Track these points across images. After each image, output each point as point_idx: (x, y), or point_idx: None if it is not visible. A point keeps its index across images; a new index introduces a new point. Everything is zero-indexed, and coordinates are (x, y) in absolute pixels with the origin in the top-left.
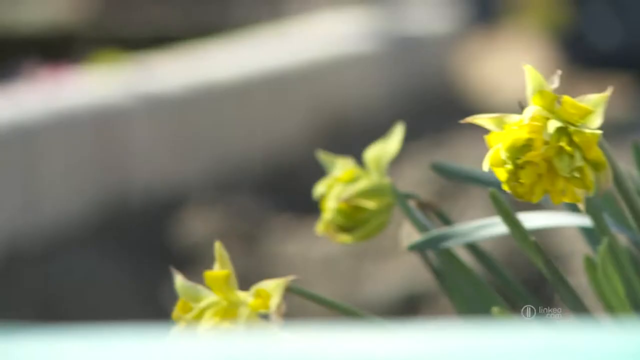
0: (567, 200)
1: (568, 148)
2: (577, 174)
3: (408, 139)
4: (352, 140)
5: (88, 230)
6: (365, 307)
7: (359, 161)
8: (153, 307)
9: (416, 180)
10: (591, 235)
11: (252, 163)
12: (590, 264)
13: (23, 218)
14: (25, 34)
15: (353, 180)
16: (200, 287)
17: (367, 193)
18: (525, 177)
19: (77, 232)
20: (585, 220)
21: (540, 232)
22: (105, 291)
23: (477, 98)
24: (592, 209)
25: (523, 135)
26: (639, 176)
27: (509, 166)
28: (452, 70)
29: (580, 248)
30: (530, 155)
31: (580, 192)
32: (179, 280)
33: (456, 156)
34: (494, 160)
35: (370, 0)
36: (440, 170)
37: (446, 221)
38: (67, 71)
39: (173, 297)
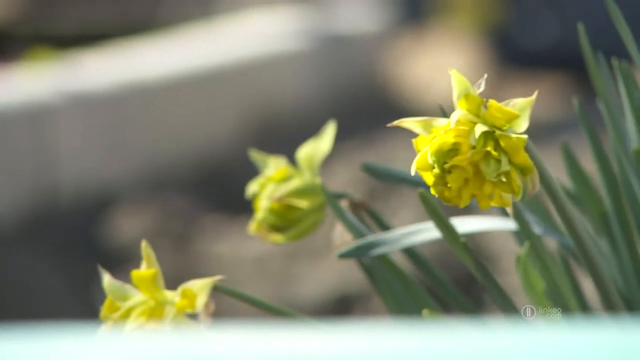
0: (495, 204)
1: (494, 152)
2: (504, 179)
3: (339, 138)
4: (284, 139)
5: (19, 229)
6: (297, 308)
7: (291, 160)
8: (84, 305)
9: (348, 179)
10: (521, 236)
11: (183, 162)
12: (519, 259)
13: None
14: None
15: (285, 179)
16: (128, 287)
17: (300, 192)
18: (453, 181)
19: (8, 231)
20: (512, 224)
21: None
22: (37, 290)
23: (408, 98)
24: (516, 212)
25: (449, 139)
26: (569, 178)
27: (436, 170)
28: (383, 70)
29: (511, 247)
30: (457, 160)
31: (508, 197)
32: (107, 279)
33: (387, 156)
34: (422, 164)
35: None
36: (371, 170)
37: (378, 221)
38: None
39: (104, 296)
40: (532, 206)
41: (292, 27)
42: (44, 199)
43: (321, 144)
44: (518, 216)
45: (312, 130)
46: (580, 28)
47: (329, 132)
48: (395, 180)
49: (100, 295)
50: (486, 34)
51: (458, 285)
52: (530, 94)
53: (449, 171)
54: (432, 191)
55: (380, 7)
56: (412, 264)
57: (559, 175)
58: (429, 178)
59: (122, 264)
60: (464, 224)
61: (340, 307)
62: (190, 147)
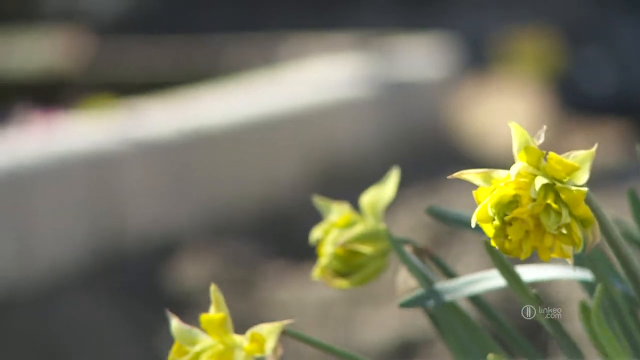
0: (555, 256)
1: (555, 205)
2: (564, 231)
3: (402, 185)
4: (346, 186)
5: (82, 277)
6: (361, 353)
7: (354, 207)
8: (149, 353)
9: (411, 226)
10: (587, 285)
11: (246, 208)
12: (585, 311)
13: (17, 265)
14: (17, 79)
15: (349, 225)
16: (196, 331)
17: (364, 238)
18: (513, 233)
19: (71, 279)
20: (579, 273)
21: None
22: (101, 338)
23: (470, 145)
24: (589, 260)
25: (510, 191)
26: (635, 224)
27: (497, 222)
28: (446, 116)
29: (576, 295)
30: (517, 212)
31: (568, 248)
32: (175, 323)
33: (450, 203)
34: (482, 216)
35: (363, 45)
36: (436, 214)
37: (442, 267)
38: (59, 117)
39: (168, 343)
40: (594, 256)
41: (354, 74)
42: (107, 246)
43: (385, 190)
44: (591, 262)
45: (374, 177)
46: None
47: (393, 178)
48: (460, 224)
49: (164, 343)
50: (549, 82)
51: (522, 332)
52: (592, 142)
53: (510, 223)
54: (493, 243)
55: (443, 54)
56: (476, 310)
57: (627, 221)
58: (489, 230)
59: (186, 310)
60: (529, 273)
61: (403, 352)
62: (253, 194)
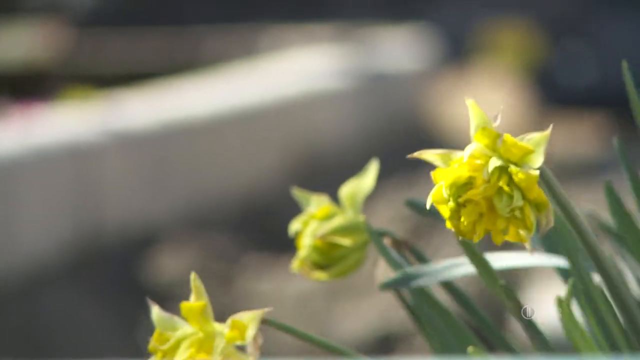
0: (509, 239)
1: (507, 188)
2: (518, 214)
3: (381, 176)
4: (326, 177)
5: (63, 268)
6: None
7: (334, 198)
8: (130, 343)
9: (390, 217)
10: (562, 272)
11: (226, 200)
12: (561, 306)
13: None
14: (2, 70)
15: (328, 217)
16: (176, 319)
17: (342, 230)
18: (466, 215)
19: (52, 270)
20: (555, 261)
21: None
22: (82, 328)
23: (449, 136)
24: (564, 246)
25: (464, 173)
26: (611, 216)
27: (451, 204)
28: (425, 107)
29: (543, 279)
30: (470, 194)
31: (524, 232)
32: (156, 311)
33: (428, 194)
34: (438, 197)
35: (343, 37)
36: (415, 206)
37: (421, 259)
38: (40, 109)
39: (148, 333)
40: (569, 242)
41: (334, 65)
42: (88, 238)
43: (364, 182)
44: (569, 251)
45: (354, 168)
46: (624, 66)
47: (372, 170)
48: (438, 216)
49: (144, 334)
50: (528, 74)
51: (498, 323)
52: (571, 133)
53: (464, 205)
54: (447, 225)
55: (423, 46)
56: (455, 301)
57: (603, 214)
58: (444, 211)
59: (166, 302)
60: (499, 260)
61: (383, 345)
62: (232, 185)
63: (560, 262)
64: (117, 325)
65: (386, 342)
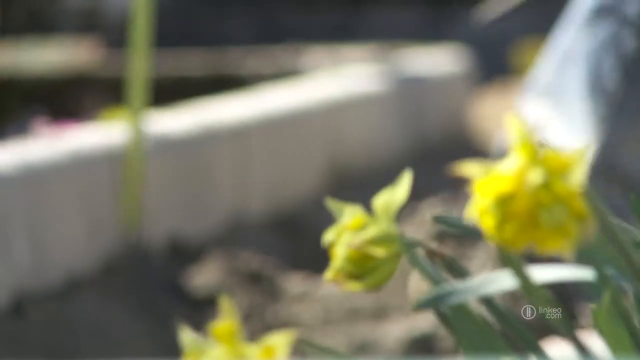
0: (551, 250)
1: (550, 200)
2: (559, 226)
3: (417, 185)
4: (360, 185)
5: (103, 278)
6: (381, 350)
7: (368, 208)
8: (165, 351)
9: (424, 228)
10: (592, 286)
11: (259, 208)
12: (596, 315)
13: (34, 263)
14: (36, 79)
15: (362, 227)
16: (206, 340)
17: (376, 241)
18: (509, 228)
19: (91, 280)
20: (589, 273)
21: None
22: (122, 341)
23: (486, 142)
24: (594, 260)
25: (506, 186)
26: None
27: (493, 216)
28: (463, 114)
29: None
30: (513, 206)
31: (565, 243)
32: (185, 334)
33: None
34: (479, 209)
35: (381, 56)
36: (442, 222)
37: (455, 270)
38: (76, 124)
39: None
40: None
41: (372, 70)
42: (127, 246)
43: (397, 192)
44: (596, 264)
45: (389, 176)
46: None
47: (406, 181)
48: (466, 232)
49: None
50: None
51: (534, 333)
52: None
53: (506, 217)
54: (487, 238)
55: (461, 61)
56: (488, 311)
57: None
58: (486, 223)
59: (203, 315)
60: (541, 273)
61: (421, 347)
62: (268, 195)
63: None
64: (156, 340)
65: (421, 352)
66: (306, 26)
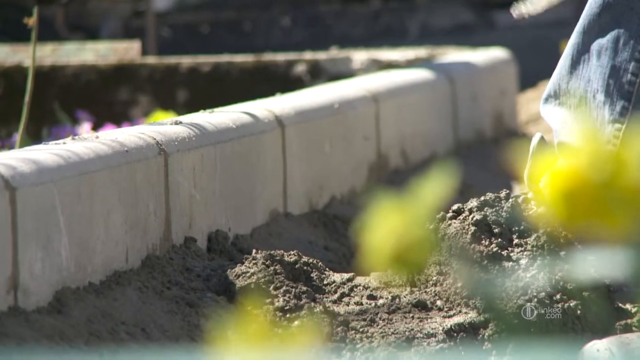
0: (616, 233)
1: (615, 194)
2: (623, 211)
3: (469, 174)
4: (413, 176)
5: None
6: None
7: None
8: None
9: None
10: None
11: (300, 196)
12: None
13: (78, 253)
14: (82, 76)
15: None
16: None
17: (415, 242)
18: (579, 216)
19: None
20: None
21: None
22: (160, 335)
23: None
24: None
25: (576, 180)
26: None
27: (564, 207)
28: (510, 101)
29: None
30: (582, 198)
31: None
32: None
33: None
34: (547, 200)
35: (426, 59)
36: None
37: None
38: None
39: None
40: None
41: (418, 56)
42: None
43: (440, 186)
44: None
45: (440, 164)
46: None
47: (449, 174)
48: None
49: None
50: None
51: None
52: None
53: (576, 208)
54: (561, 224)
55: (507, 53)
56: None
57: None
58: (557, 213)
59: (239, 311)
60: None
61: None
62: (308, 182)
63: None
64: (192, 328)
65: None
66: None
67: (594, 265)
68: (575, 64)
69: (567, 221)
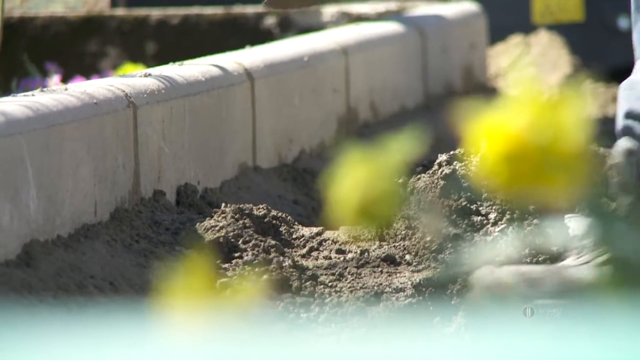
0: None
1: (558, 158)
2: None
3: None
4: (385, 129)
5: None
6: None
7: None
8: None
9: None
10: None
11: (271, 149)
12: None
13: (44, 206)
14: (54, 25)
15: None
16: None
17: (382, 196)
18: (519, 181)
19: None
20: None
21: None
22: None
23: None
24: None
25: (516, 143)
26: None
27: (504, 171)
28: (482, 53)
29: None
30: (523, 163)
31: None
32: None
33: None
34: (488, 164)
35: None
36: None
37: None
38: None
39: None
40: None
41: (388, 9)
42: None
43: (406, 145)
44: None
45: (411, 119)
46: None
47: (414, 135)
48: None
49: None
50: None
51: None
52: None
53: (516, 173)
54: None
55: (477, 6)
56: None
57: None
58: (497, 178)
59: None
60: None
61: None
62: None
63: None
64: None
65: None
66: None
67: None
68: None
69: (506, 185)
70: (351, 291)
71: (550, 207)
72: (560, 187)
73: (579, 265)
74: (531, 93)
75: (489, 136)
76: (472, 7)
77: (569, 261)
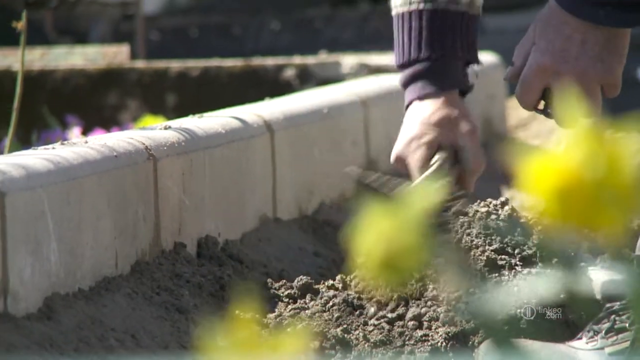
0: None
1: (609, 193)
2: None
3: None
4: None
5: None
6: None
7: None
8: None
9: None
10: None
11: (295, 197)
12: None
13: (65, 259)
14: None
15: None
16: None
17: (404, 251)
18: (571, 215)
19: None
20: None
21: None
22: (149, 340)
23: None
24: None
25: (568, 179)
26: None
27: (556, 207)
28: (501, 102)
29: None
30: (575, 197)
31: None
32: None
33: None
34: (540, 201)
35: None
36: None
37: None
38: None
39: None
40: None
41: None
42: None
43: (430, 194)
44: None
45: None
46: None
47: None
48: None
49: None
50: None
51: None
52: None
53: (568, 208)
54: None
55: (494, 57)
56: None
57: None
58: (549, 214)
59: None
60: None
61: None
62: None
63: None
64: (180, 332)
65: None
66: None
67: (590, 277)
68: None
69: (560, 222)
70: (375, 345)
71: (605, 244)
72: (615, 223)
73: (590, 350)
74: (584, 130)
75: (541, 174)
76: (491, 58)
77: (579, 343)
